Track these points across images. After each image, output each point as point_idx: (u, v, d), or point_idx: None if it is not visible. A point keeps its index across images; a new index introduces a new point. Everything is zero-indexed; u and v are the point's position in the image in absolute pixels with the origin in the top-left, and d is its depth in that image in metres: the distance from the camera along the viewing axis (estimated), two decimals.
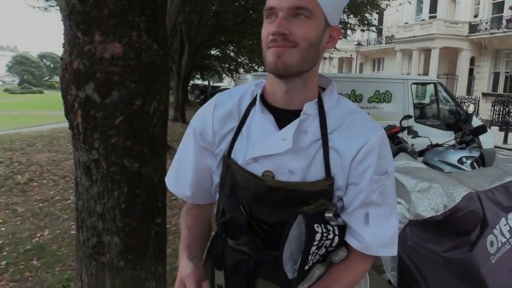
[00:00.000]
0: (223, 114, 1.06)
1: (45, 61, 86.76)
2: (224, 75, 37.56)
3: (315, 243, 0.92)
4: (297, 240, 0.92)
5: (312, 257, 0.95)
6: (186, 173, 1.13)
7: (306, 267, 0.94)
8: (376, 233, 0.98)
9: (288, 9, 0.90)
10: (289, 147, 0.94)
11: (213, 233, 1.16)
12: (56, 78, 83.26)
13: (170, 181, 1.17)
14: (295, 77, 0.95)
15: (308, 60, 0.94)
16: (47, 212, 4.84)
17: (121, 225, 2.05)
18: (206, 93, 26.65)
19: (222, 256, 1.09)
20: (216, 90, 29.69)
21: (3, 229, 4.30)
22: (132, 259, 2.13)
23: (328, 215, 0.96)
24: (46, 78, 79.08)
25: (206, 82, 37.31)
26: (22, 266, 3.47)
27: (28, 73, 73.25)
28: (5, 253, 3.71)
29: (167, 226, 2.67)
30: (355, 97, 7.87)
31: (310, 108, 0.97)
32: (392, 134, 5.73)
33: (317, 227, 0.92)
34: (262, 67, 24.88)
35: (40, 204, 5.11)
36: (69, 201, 5.25)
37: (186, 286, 0.92)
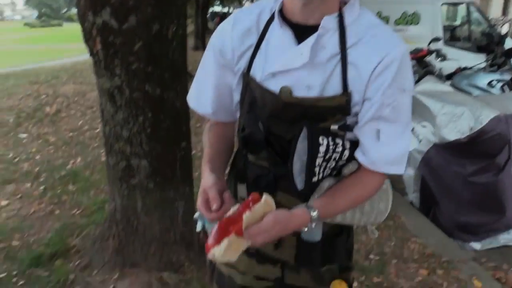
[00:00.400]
0: (242, 30, 1.05)
1: None
2: (244, 1, 36.20)
3: (319, 155, 0.93)
4: (305, 152, 0.94)
5: (321, 170, 0.97)
6: (206, 91, 1.13)
7: (315, 179, 0.98)
8: (384, 150, 0.97)
9: None
10: (306, 61, 0.94)
11: (235, 150, 1.20)
12: (74, 10, 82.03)
13: (192, 98, 1.18)
14: None
15: None
16: (77, 141, 5.02)
17: (147, 149, 2.13)
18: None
19: (244, 170, 1.13)
20: None
21: (38, 157, 4.51)
22: (161, 181, 2.24)
23: (334, 127, 0.96)
24: (65, 11, 78.03)
25: (226, 9, 36.14)
26: (59, 191, 3.68)
27: (45, 5, 72.30)
28: (42, 179, 3.93)
29: (193, 152, 2.76)
30: (381, 20, 7.51)
31: (329, 22, 0.94)
32: (420, 58, 5.53)
33: (322, 139, 0.93)
34: None
35: (70, 134, 5.29)
36: (97, 130, 5.40)
37: (208, 196, 0.96)
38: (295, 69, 0.96)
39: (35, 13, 71.90)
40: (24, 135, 5.23)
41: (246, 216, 0.87)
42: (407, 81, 0.95)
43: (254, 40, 1.03)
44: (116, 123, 2.09)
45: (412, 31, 7.56)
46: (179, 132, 2.25)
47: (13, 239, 2.85)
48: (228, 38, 1.07)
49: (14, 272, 2.48)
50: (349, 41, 0.94)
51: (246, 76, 1.04)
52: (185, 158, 2.34)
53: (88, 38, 1.95)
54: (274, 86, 0.98)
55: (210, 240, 0.87)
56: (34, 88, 7.70)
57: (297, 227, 0.95)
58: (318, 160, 0.95)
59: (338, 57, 0.94)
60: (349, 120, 0.97)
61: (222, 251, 0.85)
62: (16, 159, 4.46)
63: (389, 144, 0.97)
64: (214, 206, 0.94)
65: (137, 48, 1.91)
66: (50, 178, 3.97)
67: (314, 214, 0.95)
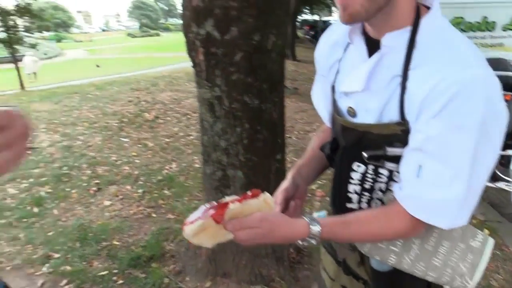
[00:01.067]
0: (331, 43, 1.02)
1: (159, 4, 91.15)
2: (333, 8, 35.80)
3: (353, 181, 0.89)
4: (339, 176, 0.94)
5: (362, 198, 0.92)
6: (318, 93, 1.13)
7: (353, 206, 0.94)
8: (422, 190, 0.80)
9: None
10: (361, 86, 0.86)
11: None
12: (171, 20, 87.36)
13: (313, 97, 1.18)
14: (373, 17, 0.83)
15: None
16: (173, 147, 5.26)
17: (243, 160, 2.12)
18: (317, 28, 25.82)
19: None
20: (326, 24, 28.60)
21: (137, 161, 4.79)
22: None
23: (365, 154, 0.86)
24: (162, 21, 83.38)
25: (315, 17, 36.05)
26: (156, 194, 3.87)
27: (145, 17, 77.89)
28: (141, 182, 4.16)
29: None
30: (487, 25, 6.90)
31: (392, 40, 0.83)
32: None
33: (358, 166, 0.88)
34: None
35: (167, 140, 5.56)
36: (191, 137, 5.63)
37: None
38: (357, 91, 0.89)
39: (137, 23, 77.67)
40: (126, 139, 5.59)
41: (233, 206, 0.82)
42: (468, 118, 0.73)
43: (340, 53, 0.99)
44: (214, 133, 2.11)
45: None
46: (275, 144, 2.21)
47: (114, 238, 3.02)
48: (321, 49, 1.06)
49: (115, 271, 2.62)
50: (415, 62, 0.81)
51: (332, 90, 1.01)
52: (280, 171, 2.30)
53: (191, 49, 1.99)
54: (344, 105, 0.94)
55: (189, 218, 0.85)
56: (135, 95, 8.24)
57: (291, 236, 0.86)
58: (354, 188, 0.89)
59: (399, 79, 0.82)
60: (392, 150, 0.85)
61: (192, 232, 0.83)
62: (119, 162, 4.77)
63: (430, 187, 0.79)
64: (276, 210, 0.94)
65: (238, 58, 1.91)
66: (148, 182, 4.18)
67: (315, 229, 0.85)
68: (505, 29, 6.89)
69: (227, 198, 0.86)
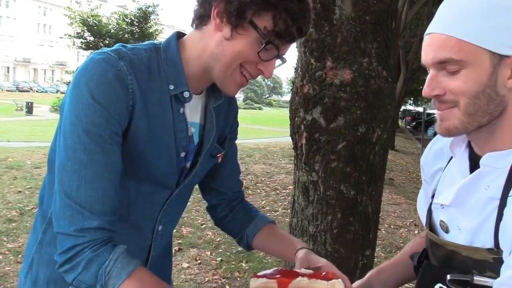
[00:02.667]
0: (436, 150, 0.99)
1: (266, 81, 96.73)
2: None
3: None
4: None
5: None
6: (422, 200, 1.07)
7: None
8: None
9: (433, 65, 0.78)
10: (451, 200, 0.83)
11: None
12: (274, 97, 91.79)
13: (418, 203, 1.12)
14: (474, 131, 0.80)
15: (480, 112, 0.76)
16: None
17: (330, 249, 2.04)
18: (419, 120, 25.23)
19: None
20: (431, 118, 27.91)
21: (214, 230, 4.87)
22: None
23: (449, 277, 0.79)
24: (266, 96, 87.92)
25: (418, 108, 35.44)
26: (233, 265, 3.85)
27: (251, 91, 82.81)
28: (220, 251, 4.19)
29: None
30: None
31: (492, 161, 0.78)
32: None
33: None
34: None
35: None
36: (277, 213, 5.62)
37: None
38: (450, 206, 0.84)
39: (242, 96, 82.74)
40: None
41: (301, 279, 0.83)
42: None
43: (444, 162, 0.95)
44: (304, 217, 2.08)
45: None
46: (366, 239, 2.10)
47: None
48: (426, 155, 1.03)
49: None
50: None
51: (431, 199, 0.97)
52: (367, 267, 2.16)
53: (295, 132, 2.04)
54: (437, 217, 0.90)
55: (260, 272, 0.91)
56: None
57: None
58: None
59: (497, 203, 0.75)
60: (480, 279, 0.76)
61: (255, 285, 0.87)
62: (203, 226, 4.88)
63: None
64: None
65: (340, 147, 1.91)
66: (228, 251, 4.19)
67: None
68: None
69: (302, 269, 0.89)
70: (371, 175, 2.01)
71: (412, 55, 14.33)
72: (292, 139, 2.10)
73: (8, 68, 60.11)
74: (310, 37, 1.97)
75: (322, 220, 2.02)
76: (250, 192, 6.60)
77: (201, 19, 0.94)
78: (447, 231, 0.86)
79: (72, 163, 0.84)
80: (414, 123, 29.89)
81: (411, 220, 5.87)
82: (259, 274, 0.89)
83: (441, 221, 0.88)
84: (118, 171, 0.89)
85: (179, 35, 1.00)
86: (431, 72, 0.79)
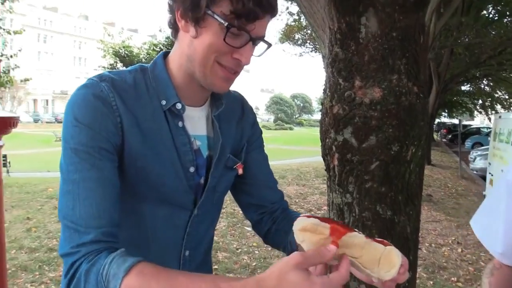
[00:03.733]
0: None
1: (296, 101, 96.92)
2: (476, 113, 33.96)
3: None
4: None
5: None
6: (496, 226, 0.98)
7: None
8: None
9: None
10: None
11: None
12: (305, 116, 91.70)
13: (478, 227, 1.04)
14: None
15: None
16: None
17: None
18: (455, 132, 24.57)
19: None
20: (466, 129, 27.11)
21: (257, 252, 4.82)
22: None
23: None
24: (296, 116, 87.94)
25: (453, 120, 34.50)
26: None
27: (281, 111, 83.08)
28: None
29: None
30: None
31: None
32: None
33: None
34: None
35: None
36: None
37: None
38: None
39: (272, 117, 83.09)
40: (249, 229, 5.71)
41: (355, 235, 0.72)
42: None
43: None
44: None
45: None
46: None
47: None
48: None
49: None
50: None
51: None
52: None
53: (326, 153, 2.01)
54: None
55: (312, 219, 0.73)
56: None
57: None
58: None
59: None
60: None
61: (302, 225, 0.72)
62: (239, 250, 4.85)
63: None
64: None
65: (373, 167, 1.87)
66: None
67: None
68: None
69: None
70: (408, 194, 1.94)
71: (443, 66, 14.03)
72: (324, 160, 2.07)
73: (47, 100, 62.92)
74: (337, 57, 1.96)
75: None
76: None
77: (173, 28, 0.95)
78: None
79: (66, 185, 0.84)
80: (450, 136, 29.06)
81: (453, 238, 5.64)
82: (307, 214, 0.76)
83: None
84: (113, 185, 0.87)
85: (166, 54, 1.02)
86: None
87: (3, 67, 14.70)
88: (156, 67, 0.98)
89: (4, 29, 13.72)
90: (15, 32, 13.75)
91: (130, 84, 0.93)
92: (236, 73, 0.93)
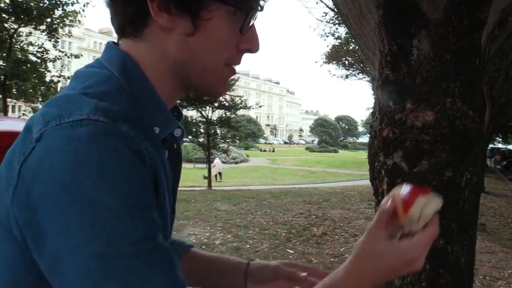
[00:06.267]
0: None
1: (341, 123, 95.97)
2: None
3: None
4: None
5: None
6: None
7: None
8: None
9: None
10: None
11: None
12: (349, 139, 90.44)
13: None
14: None
15: None
16: (337, 268, 5.06)
17: None
18: (510, 159, 23.36)
19: None
20: None
21: None
22: None
23: None
24: (341, 139, 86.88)
25: (509, 146, 32.84)
26: None
27: (326, 133, 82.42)
28: None
29: None
30: None
31: None
32: None
33: None
34: None
35: (331, 259, 5.41)
36: None
37: None
38: None
39: (316, 139, 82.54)
40: (291, 251, 5.63)
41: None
42: None
43: None
44: None
45: None
46: None
47: None
48: None
49: None
50: None
51: None
52: None
53: (375, 177, 1.96)
54: None
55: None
56: (306, 208, 8.45)
57: None
58: None
59: None
60: None
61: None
62: None
63: None
64: None
65: None
66: None
67: None
68: None
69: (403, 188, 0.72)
70: (462, 223, 1.85)
71: (497, 90, 13.47)
72: (372, 184, 2.02)
73: None
74: (387, 80, 1.93)
75: None
76: (328, 238, 6.41)
77: (136, 23, 0.65)
78: None
79: None
80: (504, 162, 27.63)
81: (510, 271, 5.29)
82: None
83: None
84: None
85: (125, 58, 0.68)
86: None
87: (60, 88, 15.64)
88: (134, 79, 0.65)
89: (63, 52, 14.62)
90: (75, 56, 14.62)
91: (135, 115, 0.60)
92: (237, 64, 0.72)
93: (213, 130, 16.18)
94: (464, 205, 1.85)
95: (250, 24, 0.67)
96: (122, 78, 0.63)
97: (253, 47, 0.69)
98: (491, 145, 32.43)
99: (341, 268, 0.68)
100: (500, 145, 38.14)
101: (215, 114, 16.24)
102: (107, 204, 0.50)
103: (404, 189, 0.72)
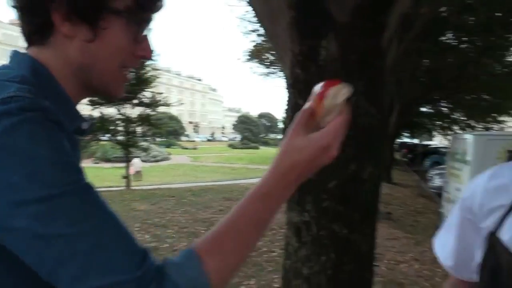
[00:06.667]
0: (496, 186, 0.94)
1: (262, 120, 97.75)
2: (435, 133, 35.27)
3: None
4: None
5: None
6: (449, 240, 1.03)
7: None
8: None
9: None
10: None
11: None
12: (271, 136, 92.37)
13: (437, 243, 1.09)
14: None
15: None
16: (255, 262, 5.17)
17: None
18: (415, 152, 25.38)
19: None
20: (426, 149, 28.04)
21: None
22: None
23: None
24: (263, 135, 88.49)
25: (414, 140, 35.65)
26: None
27: (248, 130, 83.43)
28: None
29: None
30: None
31: None
32: None
33: None
34: (482, 124, 22.50)
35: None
36: (274, 253, 5.51)
37: None
38: None
39: (239, 136, 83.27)
40: None
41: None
42: None
43: (508, 199, 0.90)
44: (297, 259, 2.04)
45: None
46: (361, 278, 2.06)
47: None
48: (479, 191, 0.96)
49: None
50: None
51: (492, 238, 0.90)
52: None
53: None
54: None
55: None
56: (226, 204, 8.50)
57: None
58: None
59: None
60: None
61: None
62: None
63: None
64: None
65: (331, 186, 1.90)
66: None
67: None
68: None
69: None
70: (364, 213, 1.98)
71: (404, 89, 14.52)
72: None
73: None
74: (298, 79, 2.00)
75: (316, 261, 1.98)
76: None
77: (42, 32, 0.73)
78: None
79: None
80: (410, 155, 29.96)
81: (411, 255, 5.77)
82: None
83: None
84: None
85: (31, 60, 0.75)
86: None
87: None
88: (43, 78, 0.72)
89: None
90: None
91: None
92: (134, 67, 0.82)
93: (132, 128, 15.65)
94: (366, 196, 1.98)
95: (144, 34, 0.78)
96: (33, 78, 0.69)
97: (147, 54, 0.79)
98: (399, 140, 34.97)
99: (268, 168, 0.74)
100: (407, 140, 41.22)
101: (135, 112, 15.71)
102: (42, 155, 0.59)
103: (318, 86, 0.76)
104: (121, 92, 0.81)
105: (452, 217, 1.04)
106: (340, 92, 0.73)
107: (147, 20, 0.78)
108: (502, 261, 0.86)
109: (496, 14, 9.42)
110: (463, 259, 1.00)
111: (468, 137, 7.55)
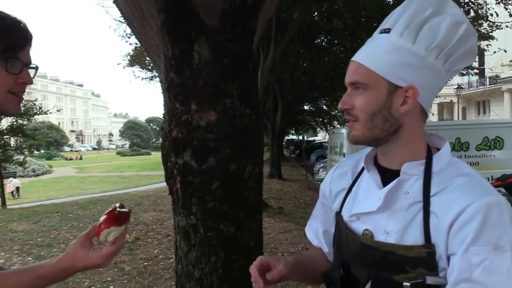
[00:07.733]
0: (339, 173, 1.13)
1: (152, 125, 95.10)
2: (318, 129, 37.72)
3: None
4: None
5: None
6: (316, 224, 1.22)
7: None
8: None
9: (348, 84, 0.96)
10: (379, 206, 0.93)
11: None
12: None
13: (308, 228, 1.25)
14: (379, 144, 0.96)
15: (377, 128, 0.93)
16: (151, 271, 5.03)
17: None
18: (301, 148, 26.85)
19: None
20: (311, 144, 29.80)
21: (111, 287, 4.54)
22: None
23: (406, 283, 0.86)
24: (153, 140, 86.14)
25: (300, 137, 37.66)
26: None
27: (137, 136, 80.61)
28: None
29: None
30: (461, 146, 7.35)
31: (411, 169, 0.92)
32: (510, 184, 5.16)
33: None
34: None
35: (145, 263, 5.34)
36: (171, 260, 5.42)
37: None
38: (375, 213, 0.95)
39: (128, 142, 79.96)
40: None
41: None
42: (503, 237, 0.81)
43: (348, 182, 1.08)
44: (188, 262, 2.04)
45: (496, 156, 7.31)
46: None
47: None
48: (328, 179, 1.17)
49: None
50: (433, 189, 0.90)
51: (338, 216, 1.08)
52: None
53: (169, 177, 2.02)
54: (358, 228, 0.99)
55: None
56: None
57: None
58: None
59: (420, 205, 0.90)
60: (432, 279, 0.86)
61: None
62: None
63: None
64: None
65: (214, 187, 1.94)
66: None
67: None
68: (478, 148, 7.34)
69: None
70: (248, 210, 2.06)
71: (286, 89, 15.28)
72: (168, 184, 2.08)
73: None
74: (172, 83, 2.00)
75: (206, 262, 2.00)
76: (141, 242, 6.30)
77: None
78: (372, 238, 0.95)
79: None
80: (297, 151, 31.58)
81: (302, 245, 6.10)
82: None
83: (365, 230, 0.97)
84: None
85: None
86: (347, 91, 0.96)
87: None
88: None
89: None
90: None
91: None
92: (24, 93, 1.02)
93: (3, 141, 14.12)
94: (249, 194, 2.06)
95: (21, 68, 0.95)
96: None
97: (27, 81, 0.99)
98: (286, 137, 36.65)
99: (51, 260, 1.02)
100: (294, 137, 43.36)
101: (4, 123, 14.19)
102: None
103: (102, 218, 1.01)
104: (17, 109, 1.01)
105: (317, 203, 1.22)
106: (110, 234, 0.99)
107: (20, 56, 0.95)
108: (343, 234, 1.04)
109: (361, 19, 10.41)
110: (330, 239, 1.15)
111: (343, 131, 8.19)
